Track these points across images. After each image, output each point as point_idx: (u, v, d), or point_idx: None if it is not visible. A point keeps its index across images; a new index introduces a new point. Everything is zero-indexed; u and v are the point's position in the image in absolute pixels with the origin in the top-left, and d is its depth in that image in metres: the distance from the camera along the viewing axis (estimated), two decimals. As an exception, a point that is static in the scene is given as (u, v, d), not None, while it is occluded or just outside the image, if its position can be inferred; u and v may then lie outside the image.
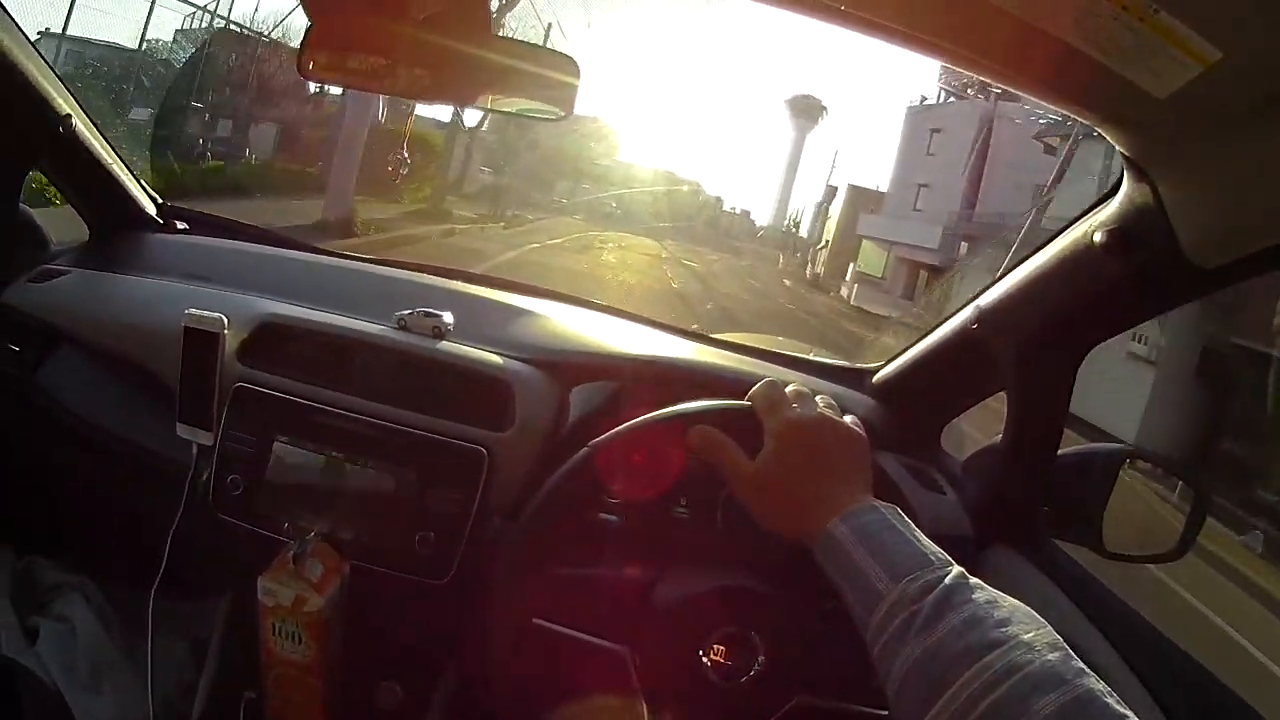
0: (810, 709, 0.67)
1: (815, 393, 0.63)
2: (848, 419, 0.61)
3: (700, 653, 0.67)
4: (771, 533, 0.58)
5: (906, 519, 0.54)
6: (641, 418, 0.66)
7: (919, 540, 0.52)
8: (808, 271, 26.47)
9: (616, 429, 0.67)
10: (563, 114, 0.73)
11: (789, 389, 0.62)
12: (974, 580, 0.49)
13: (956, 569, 0.50)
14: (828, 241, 25.99)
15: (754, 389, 0.62)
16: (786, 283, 21.41)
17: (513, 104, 0.75)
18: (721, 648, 0.67)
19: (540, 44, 0.73)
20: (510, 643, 0.66)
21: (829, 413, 0.60)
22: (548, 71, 0.72)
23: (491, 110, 0.76)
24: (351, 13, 0.76)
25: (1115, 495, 0.93)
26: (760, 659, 0.67)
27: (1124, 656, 0.75)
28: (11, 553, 1.15)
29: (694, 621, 0.67)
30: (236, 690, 0.93)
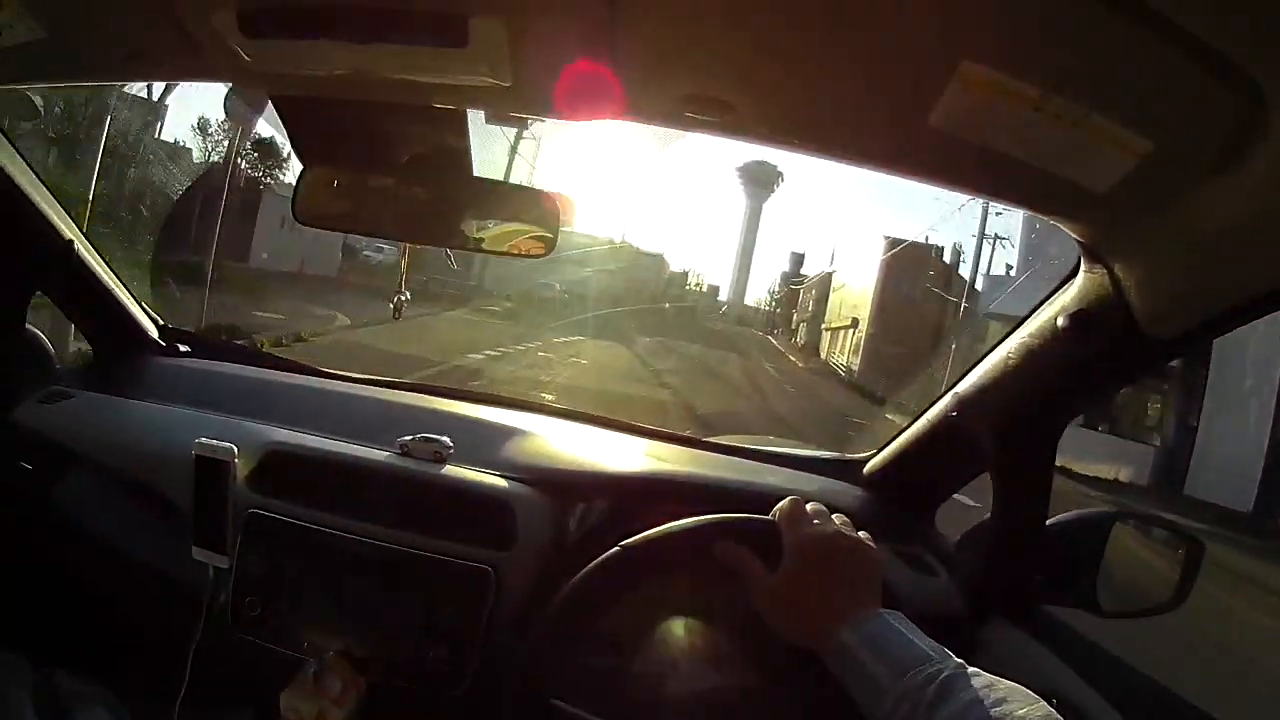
0: None
1: (833, 510, 0.67)
2: (861, 534, 0.66)
3: None
4: (784, 640, 0.62)
5: (910, 623, 0.59)
6: (672, 524, 0.70)
7: (921, 640, 0.57)
8: (839, 368, 18.56)
9: (648, 532, 0.70)
10: (545, 251, 0.77)
11: (809, 506, 0.67)
12: (972, 669, 0.53)
13: (955, 661, 0.54)
14: (854, 321, 18.21)
15: (779, 505, 0.67)
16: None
17: (501, 242, 0.78)
18: None
19: (524, 184, 0.76)
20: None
21: (845, 530, 0.65)
22: (531, 209, 0.76)
23: (480, 251, 0.80)
24: (342, 160, 0.80)
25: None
26: None
27: (1124, 714, 0.77)
28: (29, 664, 1.17)
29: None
30: None
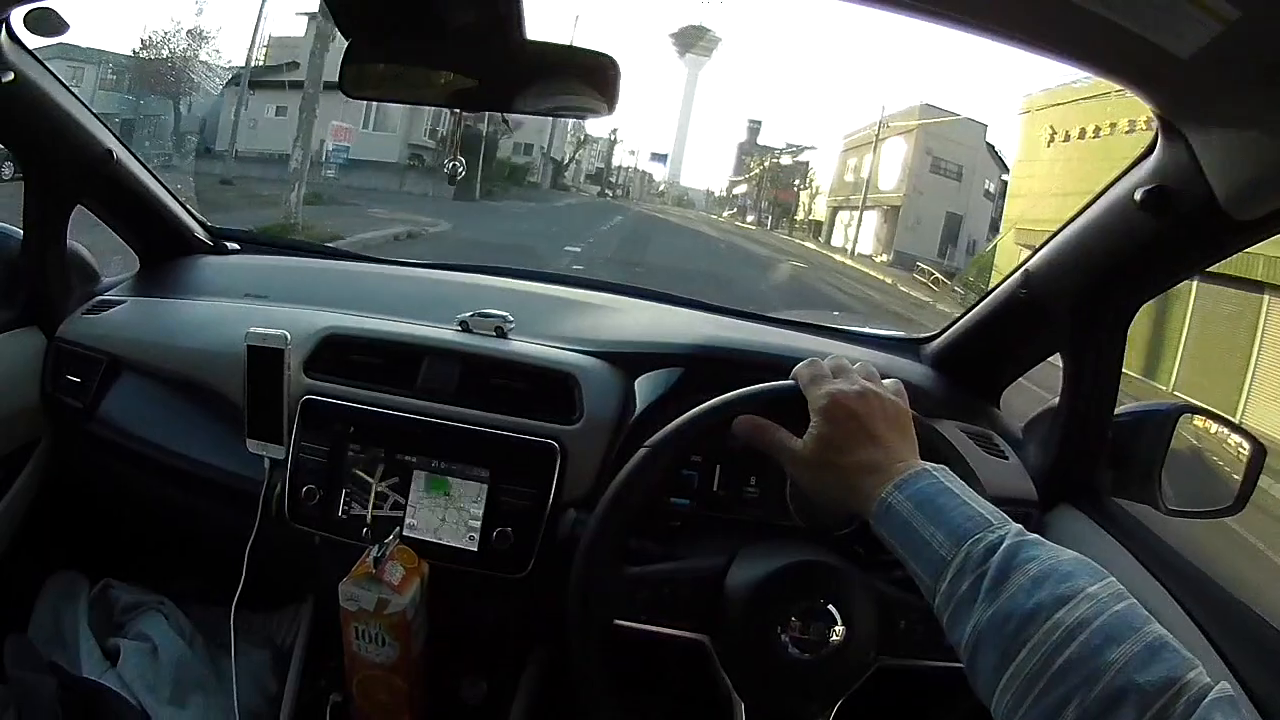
0: (893, 670, 0.69)
1: (855, 362, 0.64)
2: (888, 383, 0.62)
3: (779, 629, 0.67)
4: (829, 506, 0.59)
5: (958, 479, 0.54)
6: (690, 413, 0.68)
7: (975, 501, 0.52)
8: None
9: (668, 427, 0.68)
10: (604, 112, 0.74)
11: (827, 362, 0.63)
12: (1033, 536, 0.49)
13: (1015, 526, 0.50)
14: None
15: (796, 368, 0.64)
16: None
17: (554, 103, 0.76)
18: (798, 622, 0.68)
19: (575, 44, 0.74)
20: (594, 648, 0.67)
21: (869, 383, 0.61)
22: (587, 70, 0.73)
23: (534, 113, 0.77)
24: (386, 27, 0.77)
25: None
26: (838, 628, 0.67)
27: (1188, 611, 0.76)
28: (84, 578, 1.19)
29: (769, 601, 0.68)
30: (322, 695, 0.95)
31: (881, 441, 0.57)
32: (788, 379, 0.64)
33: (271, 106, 13.64)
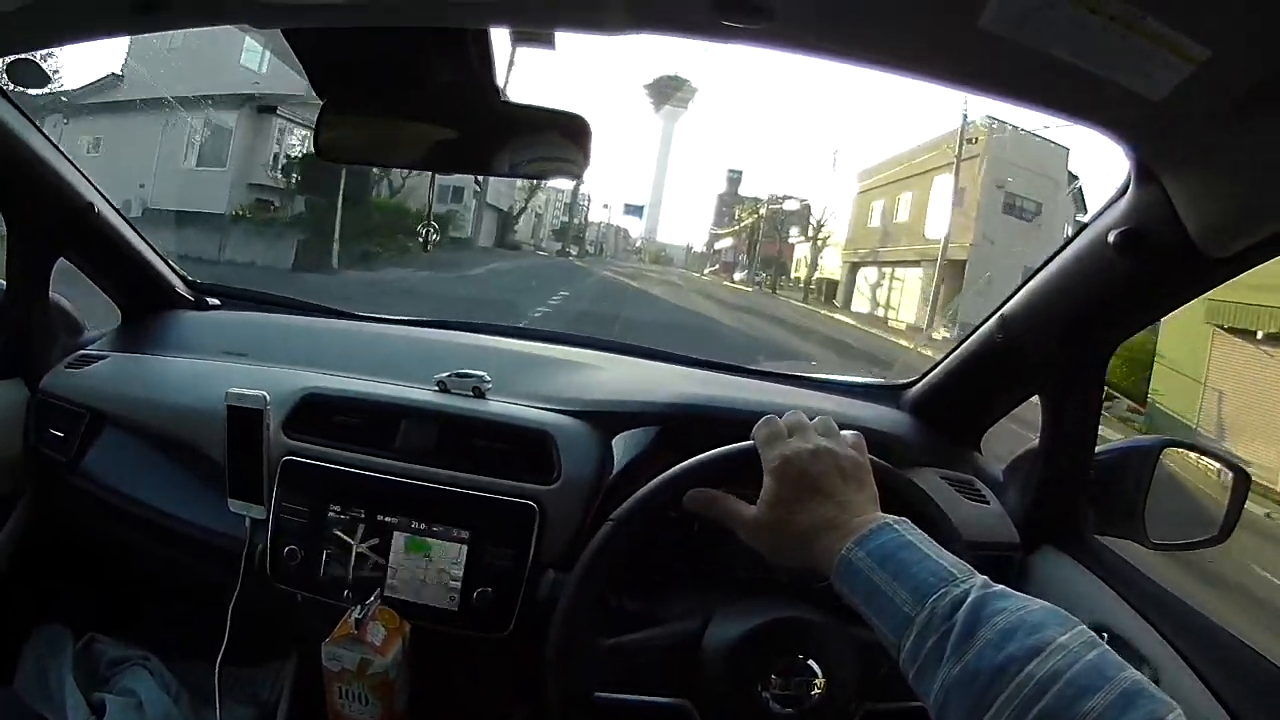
0: (878, 715, 0.69)
1: (814, 417, 0.63)
2: (847, 435, 0.61)
3: (760, 688, 0.67)
4: (791, 568, 0.58)
5: (920, 531, 0.53)
6: (649, 485, 0.68)
7: (938, 554, 0.51)
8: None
9: (629, 500, 0.69)
10: (578, 173, 0.75)
11: (785, 418, 0.62)
12: (999, 588, 0.48)
13: (980, 579, 0.49)
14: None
15: (754, 428, 0.63)
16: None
17: (528, 163, 0.77)
18: (779, 679, 0.68)
19: (550, 106, 0.74)
20: None
21: (824, 439, 0.60)
22: (561, 131, 0.74)
23: (509, 175, 0.78)
24: (361, 88, 0.78)
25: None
26: (819, 681, 0.67)
27: (1175, 647, 0.75)
28: (70, 632, 1.18)
29: (748, 661, 0.68)
30: None
31: (836, 497, 0.56)
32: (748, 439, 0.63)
33: (87, 138, 10.39)
